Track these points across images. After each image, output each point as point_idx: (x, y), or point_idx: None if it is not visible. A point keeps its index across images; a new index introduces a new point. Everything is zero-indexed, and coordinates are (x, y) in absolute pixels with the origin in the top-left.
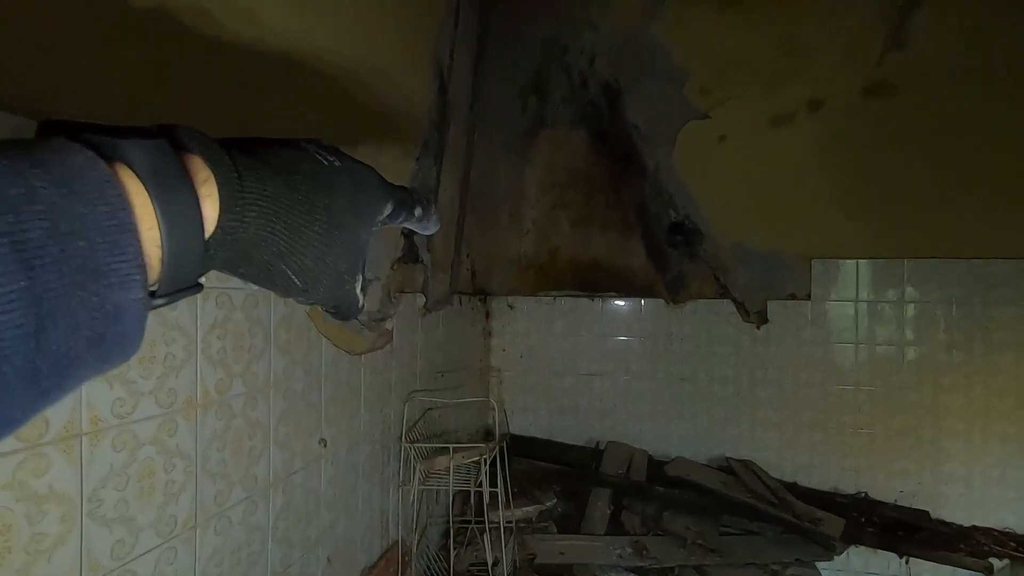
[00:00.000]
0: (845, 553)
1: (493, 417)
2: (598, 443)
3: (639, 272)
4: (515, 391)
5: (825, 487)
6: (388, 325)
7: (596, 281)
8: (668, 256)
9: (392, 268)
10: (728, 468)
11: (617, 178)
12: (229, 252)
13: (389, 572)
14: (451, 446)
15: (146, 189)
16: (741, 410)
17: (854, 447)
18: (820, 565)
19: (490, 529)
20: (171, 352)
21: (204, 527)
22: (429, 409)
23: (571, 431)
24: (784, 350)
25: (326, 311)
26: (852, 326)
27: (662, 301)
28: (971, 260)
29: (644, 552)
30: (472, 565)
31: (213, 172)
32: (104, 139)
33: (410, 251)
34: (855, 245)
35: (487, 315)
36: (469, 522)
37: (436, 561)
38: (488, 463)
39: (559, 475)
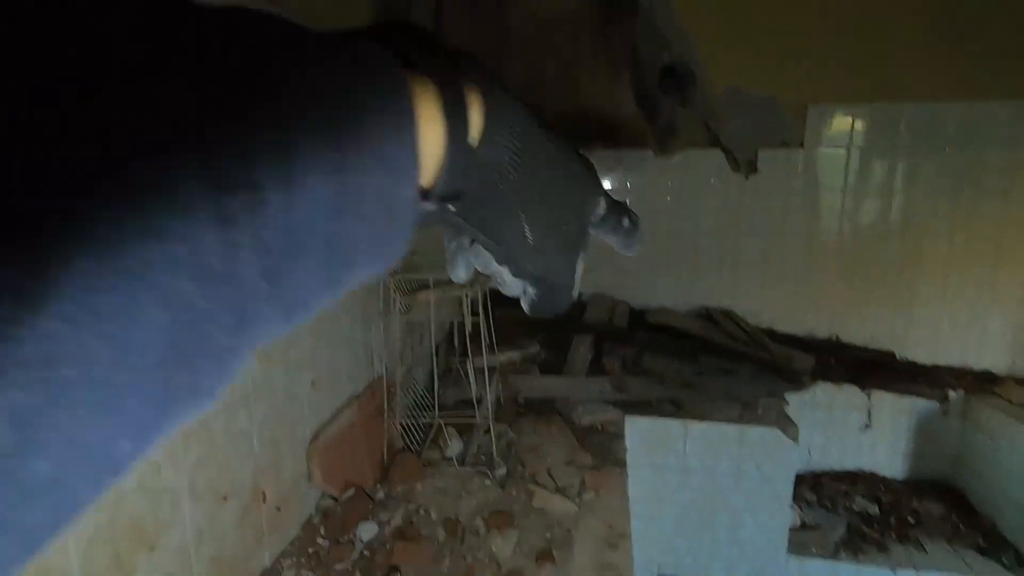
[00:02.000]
0: (812, 389)
1: None
2: (581, 294)
3: (628, 122)
4: None
5: (800, 332)
6: None
7: (585, 131)
8: (658, 104)
9: None
10: (708, 316)
11: (606, 17)
12: (480, 176)
13: (375, 402)
14: (431, 278)
15: (433, 86)
16: (723, 261)
17: (831, 295)
18: (789, 398)
19: (475, 370)
20: None
21: None
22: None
23: None
24: (771, 200)
25: (533, 300)
26: (842, 175)
27: (651, 153)
28: (970, 104)
29: (623, 388)
30: (458, 402)
31: (480, 87)
32: (388, 38)
33: None
34: (853, 90)
35: None
36: (454, 363)
37: (422, 398)
38: (470, 298)
39: (542, 325)
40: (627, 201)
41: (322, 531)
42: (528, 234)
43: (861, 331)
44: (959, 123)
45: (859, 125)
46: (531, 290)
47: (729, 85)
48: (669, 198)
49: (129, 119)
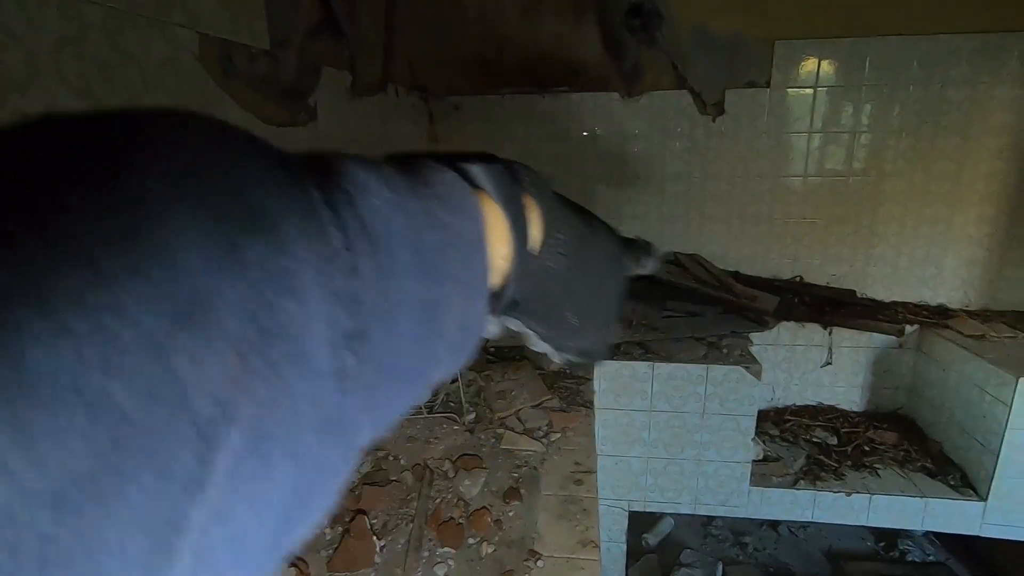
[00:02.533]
0: (776, 328)
1: None
2: None
3: (593, 64)
4: None
5: (765, 274)
6: (310, 100)
7: (547, 76)
8: (624, 44)
9: (304, 34)
10: (675, 261)
11: None
12: (535, 279)
13: None
14: None
15: (500, 208)
16: (690, 207)
17: (796, 236)
18: (753, 337)
19: None
20: None
21: None
22: None
23: None
24: (737, 142)
25: (568, 360)
26: (808, 115)
27: (616, 97)
28: (935, 38)
29: None
30: None
31: (536, 199)
32: (457, 163)
33: (327, 20)
34: (820, 24)
35: (431, 118)
36: None
37: None
38: None
39: None
40: (638, 237)
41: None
42: (572, 320)
43: (823, 271)
44: (923, 59)
45: (825, 64)
46: (571, 358)
47: (696, 24)
48: (635, 143)
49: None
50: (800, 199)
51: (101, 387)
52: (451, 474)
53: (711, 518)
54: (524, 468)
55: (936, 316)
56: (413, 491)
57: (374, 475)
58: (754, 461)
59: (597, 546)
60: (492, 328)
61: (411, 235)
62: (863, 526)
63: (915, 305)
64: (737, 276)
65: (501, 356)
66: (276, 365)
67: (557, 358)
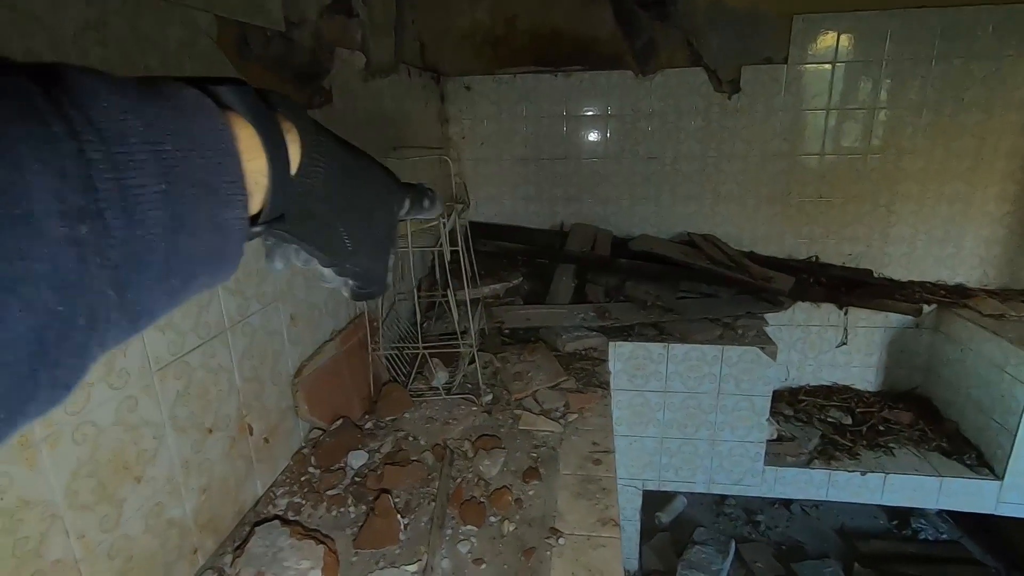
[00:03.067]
0: (792, 309)
1: (453, 183)
2: (562, 224)
3: (606, 41)
4: (478, 180)
5: (781, 255)
6: (324, 83)
7: (559, 54)
8: (638, 20)
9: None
10: (690, 242)
11: None
12: (301, 198)
13: (358, 336)
14: None
15: (250, 124)
16: (705, 187)
17: (812, 216)
18: (768, 318)
19: (457, 304)
20: None
21: None
22: None
23: (536, 218)
24: (753, 120)
25: (353, 289)
26: (826, 91)
27: (630, 75)
28: (959, 9)
29: (606, 315)
30: (443, 335)
31: (294, 123)
32: (205, 85)
33: (339, 0)
34: None
35: (442, 98)
36: (437, 297)
37: (407, 332)
38: (449, 225)
39: (525, 256)
40: (420, 183)
41: (312, 461)
42: (346, 241)
43: (840, 251)
44: (945, 31)
45: (844, 38)
46: (351, 283)
47: None
48: (648, 122)
49: None
50: (816, 178)
51: None
52: (471, 454)
53: (724, 497)
54: (542, 448)
55: (954, 296)
56: (434, 471)
57: (394, 455)
58: (768, 441)
59: (617, 524)
60: (276, 265)
61: (150, 137)
62: (876, 505)
63: (933, 285)
64: (752, 257)
65: (516, 338)
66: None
67: (345, 289)
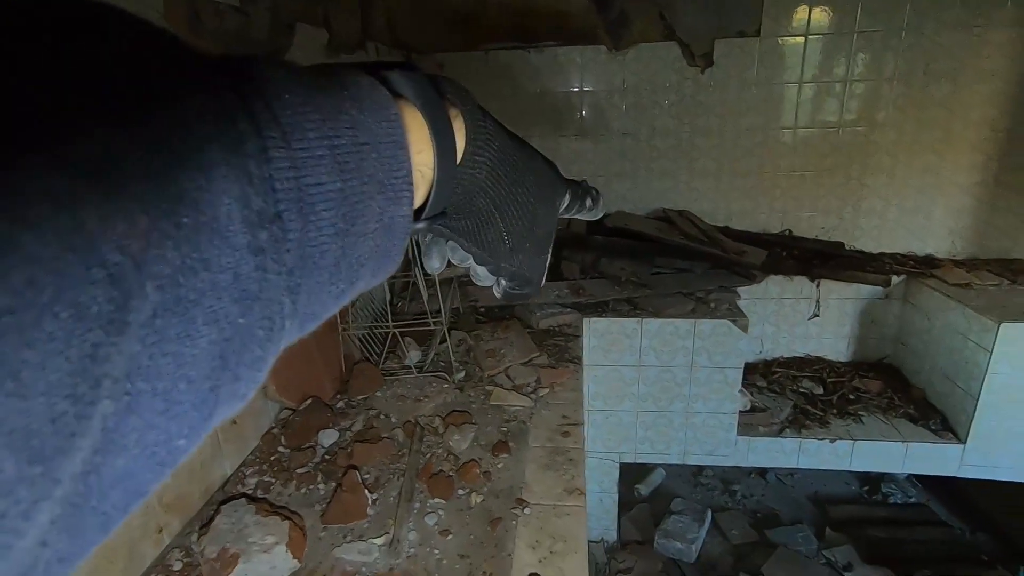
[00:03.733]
0: (764, 282)
1: None
2: None
3: (578, 15)
4: None
5: (755, 229)
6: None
7: (532, 29)
8: None
9: None
10: (665, 218)
11: None
12: (463, 191)
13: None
14: None
15: (421, 115)
16: (680, 162)
17: (785, 189)
18: (741, 291)
19: (428, 283)
20: None
21: None
22: None
23: None
24: (727, 95)
25: (506, 290)
26: (799, 64)
27: (603, 50)
28: None
29: (581, 291)
30: (416, 315)
31: (461, 110)
32: (378, 71)
33: None
34: None
35: None
36: (411, 278)
37: (381, 311)
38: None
39: None
40: (584, 180)
41: (283, 440)
42: (506, 238)
43: (813, 224)
44: (915, 3)
45: (817, 11)
46: (504, 282)
47: None
48: (623, 98)
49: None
50: (790, 151)
51: (9, 235)
52: (441, 430)
53: (701, 468)
54: (513, 423)
55: (923, 266)
56: (404, 447)
57: (365, 433)
58: (741, 412)
59: (583, 493)
60: (434, 263)
61: (327, 131)
62: (848, 471)
63: (903, 256)
64: (727, 231)
65: (491, 316)
66: (185, 229)
67: (497, 289)
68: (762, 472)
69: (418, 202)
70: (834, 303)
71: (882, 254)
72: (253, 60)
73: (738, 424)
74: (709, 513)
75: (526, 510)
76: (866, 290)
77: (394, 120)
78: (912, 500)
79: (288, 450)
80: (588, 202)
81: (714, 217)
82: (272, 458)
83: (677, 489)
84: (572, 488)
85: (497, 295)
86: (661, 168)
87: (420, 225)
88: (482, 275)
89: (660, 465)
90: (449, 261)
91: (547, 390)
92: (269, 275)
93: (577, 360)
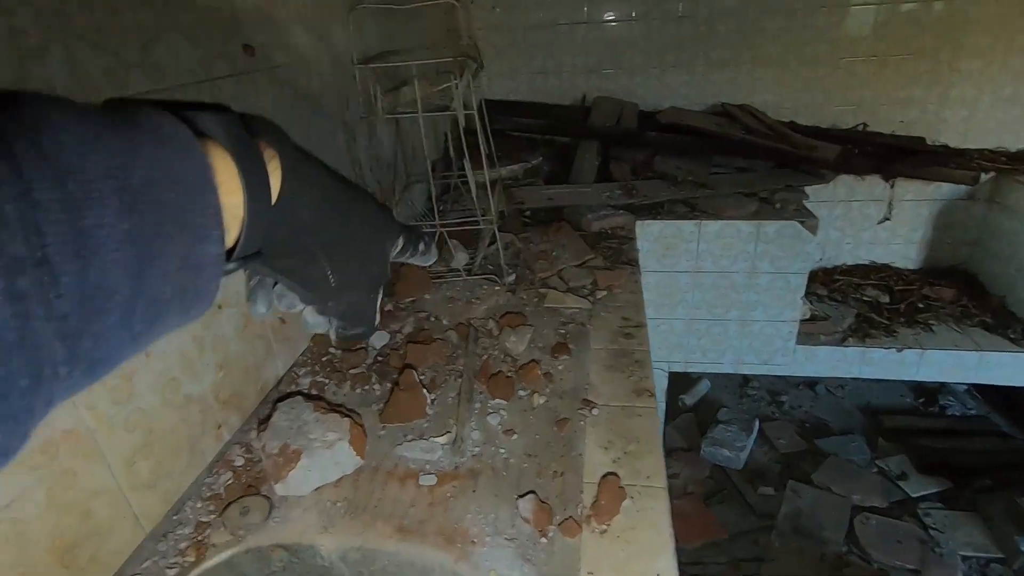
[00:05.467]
0: (832, 183)
1: (464, 34)
2: (584, 98)
3: None
4: (490, 53)
5: (824, 124)
6: None
7: None
8: None
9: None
10: (724, 113)
11: None
12: (282, 230)
13: None
14: (413, 64)
15: (229, 155)
16: (742, 50)
17: (861, 77)
18: (809, 192)
19: (476, 184)
20: None
21: None
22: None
23: (555, 93)
24: None
25: (338, 329)
26: None
27: None
28: None
29: (633, 192)
30: (460, 219)
31: (277, 150)
32: (182, 111)
33: None
34: None
35: None
36: (452, 179)
37: (422, 215)
38: (461, 83)
39: (544, 134)
40: (417, 225)
41: (332, 342)
42: (331, 276)
43: (889, 118)
44: None
45: None
46: (336, 322)
47: None
48: None
49: None
50: (871, 33)
51: None
52: (495, 332)
53: (747, 379)
54: (571, 324)
55: (1015, 162)
56: (459, 348)
57: (417, 335)
58: (801, 321)
59: (652, 395)
60: (260, 308)
61: (115, 171)
62: (903, 382)
63: (992, 152)
64: (792, 127)
65: (538, 219)
66: None
67: (332, 332)
68: (811, 384)
69: (232, 241)
70: (908, 205)
71: (967, 150)
72: (24, 96)
73: (798, 333)
74: (757, 422)
75: (594, 411)
76: (947, 190)
77: (197, 159)
78: (972, 412)
79: (339, 352)
80: (421, 247)
81: (778, 112)
82: (323, 359)
83: (723, 400)
84: (641, 390)
85: (332, 337)
86: (721, 57)
87: (231, 265)
88: (311, 321)
89: (707, 375)
90: (282, 304)
91: (604, 292)
92: (33, 322)
93: (634, 262)
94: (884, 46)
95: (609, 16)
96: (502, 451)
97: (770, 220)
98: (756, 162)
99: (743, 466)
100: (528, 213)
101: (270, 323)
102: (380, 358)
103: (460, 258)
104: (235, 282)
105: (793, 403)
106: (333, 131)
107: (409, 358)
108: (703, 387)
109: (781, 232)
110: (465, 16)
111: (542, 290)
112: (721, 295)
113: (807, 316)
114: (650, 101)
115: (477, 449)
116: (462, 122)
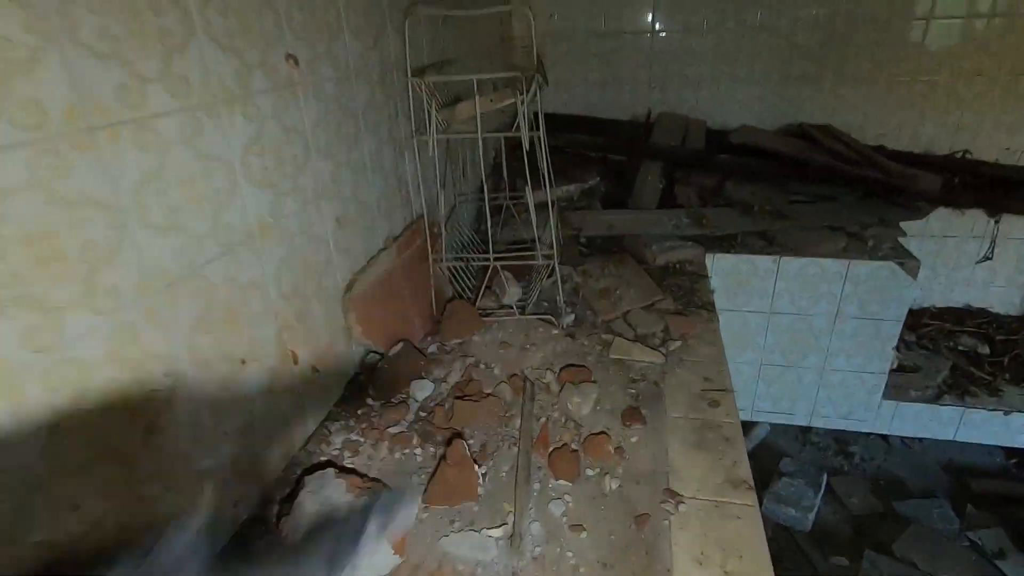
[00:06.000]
0: (925, 217)
1: (533, 43)
2: (649, 113)
3: None
4: (544, 61)
5: (916, 149)
6: None
7: None
8: None
9: None
10: (802, 134)
11: None
12: None
13: (416, 243)
14: (473, 78)
15: None
16: (825, 64)
17: (963, 98)
18: (904, 227)
19: (528, 209)
20: None
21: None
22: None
23: (614, 107)
24: None
25: None
26: None
27: None
28: None
29: (704, 221)
30: (510, 244)
31: None
32: None
33: None
34: None
35: None
36: (502, 200)
37: (471, 240)
38: (526, 101)
39: (603, 151)
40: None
41: (370, 391)
42: None
43: (995, 143)
44: None
45: None
46: None
47: None
48: None
49: None
50: (977, 48)
51: None
52: (554, 387)
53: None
54: (642, 383)
55: None
56: (513, 407)
57: (464, 386)
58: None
59: (751, 487)
60: None
61: None
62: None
63: None
64: (881, 151)
65: (595, 248)
66: None
67: None
68: (883, 434)
69: None
70: (1013, 244)
71: None
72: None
73: (885, 385)
74: (825, 477)
75: (680, 506)
76: None
77: None
78: None
79: (377, 403)
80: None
81: (862, 134)
82: (359, 412)
83: (783, 446)
84: (737, 480)
85: None
86: (800, 72)
87: None
88: None
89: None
90: None
91: (678, 343)
92: None
93: (710, 306)
94: (992, 63)
95: (677, 26)
96: (569, 555)
97: (862, 260)
98: (840, 190)
99: (811, 527)
100: (584, 241)
101: (300, 372)
102: (423, 413)
103: (513, 293)
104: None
105: (864, 455)
106: (379, 149)
107: (456, 418)
108: (762, 431)
109: (874, 274)
110: (528, 25)
111: (606, 336)
112: (798, 339)
113: (894, 366)
114: (718, 119)
115: (539, 549)
116: (526, 144)
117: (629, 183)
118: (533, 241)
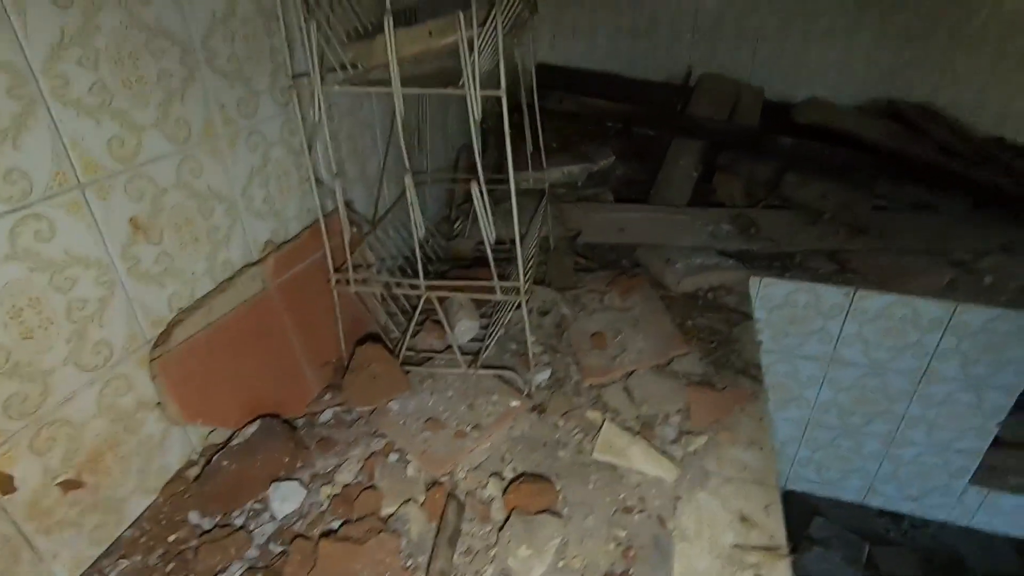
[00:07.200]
0: None
1: None
2: (689, 74)
3: None
4: (555, 4)
5: None
6: None
7: None
8: None
9: None
10: (895, 114)
11: None
12: None
13: (317, 253)
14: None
15: None
16: (936, 20)
17: None
18: None
19: (495, 201)
20: None
21: None
22: None
23: (645, 64)
24: None
25: None
26: None
27: None
28: None
29: (752, 230)
30: (480, 243)
31: None
32: None
33: None
34: None
35: None
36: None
37: (432, 237)
38: (484, 34)
39: (625, 120)
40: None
41: (196, 498)
42: None
43: None
44: None
45: None
46: None
47: None
48: None
49: None
50: None
51: None
52: (496, 514)
53: None
54: (638, 515)
55: None
56: (420, 553)
57: (355, 498)
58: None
59: None
60: None
61: None
62: None
63: None
64: (1001, 144)
65: (599, 259)
66: None
67: None
68: None
69: None
70: None
71: None
72: None
73: (977, 468)
74: (866, 548)
75: None
76: None
77: None
78: None
79: (206, 519)
80: None
81: (979, 116)
82: (169, 538)
83: (815, 502)
84: None
85: None
86: (900, 25)
87: None
88: None
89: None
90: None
91: (703, 439)
92: None
93: (755, 370)
94: None
95: None
96: None
97: (976, 304)
98: (945, 197)
99: None
100: (582, 247)
101: (24, 499)
102: (271, 546)
103: (464, 329)
104: None
105: (915, 521)
106: (247, 101)
107: (319, 568)
108: None
109: (992, 325)
110: None
111: (591, 414)
112: (864, 400)
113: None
114: (780, 87)
115: None
116: (475, 109)
117: (654, 167)
118: (512, 243)
